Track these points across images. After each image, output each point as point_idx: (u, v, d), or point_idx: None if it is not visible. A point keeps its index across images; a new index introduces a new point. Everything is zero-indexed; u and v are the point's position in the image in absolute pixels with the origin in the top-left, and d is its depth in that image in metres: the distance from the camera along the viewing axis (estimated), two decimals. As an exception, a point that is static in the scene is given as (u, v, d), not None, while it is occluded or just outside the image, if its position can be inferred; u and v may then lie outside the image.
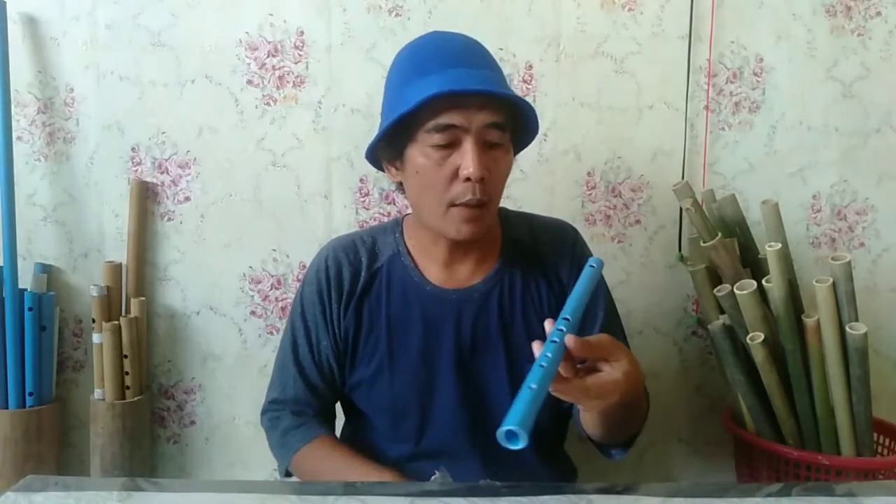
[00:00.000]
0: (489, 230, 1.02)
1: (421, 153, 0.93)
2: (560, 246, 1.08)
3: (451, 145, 0.91)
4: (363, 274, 1.04)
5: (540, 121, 1.45)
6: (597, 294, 0.96)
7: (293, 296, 1.24)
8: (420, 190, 0.96)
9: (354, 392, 1.05)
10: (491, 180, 0.93)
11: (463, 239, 0.96)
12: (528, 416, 0.65)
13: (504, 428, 0.64)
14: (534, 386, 0.69)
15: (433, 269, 1.04)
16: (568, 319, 0.78)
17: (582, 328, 1.05)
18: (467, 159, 0.90)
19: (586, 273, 0.87)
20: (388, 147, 0.98)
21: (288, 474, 1.03)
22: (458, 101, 0.89)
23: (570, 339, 0.73)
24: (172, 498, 0.80)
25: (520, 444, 0.64)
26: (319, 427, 1.03)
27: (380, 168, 1.05)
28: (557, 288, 1.06)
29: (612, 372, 0.76)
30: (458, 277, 1.04)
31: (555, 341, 0.75)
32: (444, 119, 0.90)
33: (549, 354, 0.73)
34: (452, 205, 0.93)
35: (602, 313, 1.06)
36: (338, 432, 1.15)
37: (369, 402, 1.03)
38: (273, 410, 1.07)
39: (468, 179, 0.90)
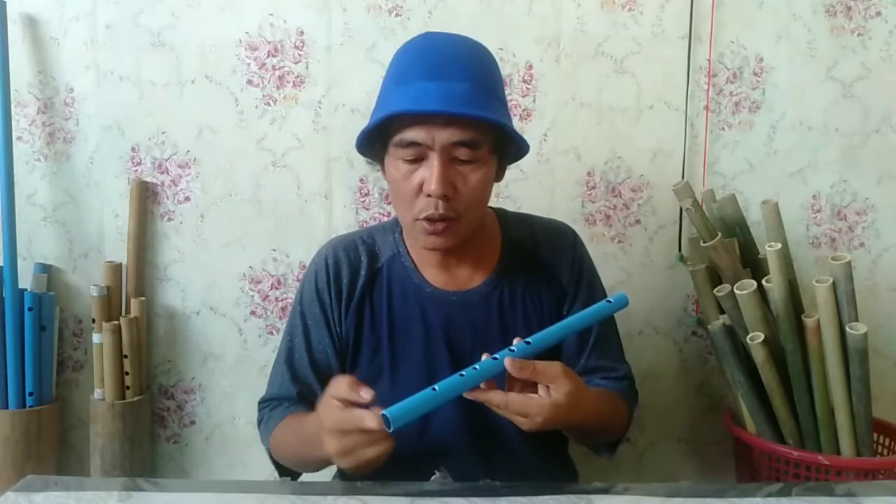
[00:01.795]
0: (476, 233, 1.01)
1: (392, 165, 0.94)
2: (560, 247, 1.08)
3: (418, 160, 0.92)
4: (363, 273, 1.04)
5: (540, 121, 1.48)
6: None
7: (293, 296, 1.24)
8: (393, 199, 0.99)
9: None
10: (458, 196, 0.92)
11: (432, 250, 0.98)
12: (409, 410, 0.74)
13: (382, 411, 0.74)
14: (436, 388, 0.77)
15: (432, 270, 1.04)
16: (529, 343, 0.83)
17: (572, 339, 1.07)
18: (429, 176, 0.90)
19: (598, 305, 0.90)
20: (372, 152, 1.00)
21: (281, 469, 1.03)
22: (422, 118, 0.89)
23: (508, 361, 0.80)
24: (172, 498, 0.80)
25: (390, 429, 0.74)
26: (295, 408, 1.01)
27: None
28: (557, 290, 1.06)
29: (542, 397, 0.81)
30: (457, 279, 1.04)
31: (496, 358, 0.81)
32: (408, 135, 0.90)
33: (477, 367, 0.80)
34: (417, 218, 0.94)
35: (596, 329, 1.07)
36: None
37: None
38: (262, 410, 1.07)
39: (430, 195, 0.91)
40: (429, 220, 0.93)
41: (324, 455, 0.82)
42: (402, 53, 0.97)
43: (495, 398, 0.81)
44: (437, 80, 0.89)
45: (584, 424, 0.89)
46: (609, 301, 0.90)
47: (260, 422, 1.06)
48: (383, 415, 0.74)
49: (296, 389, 1.03)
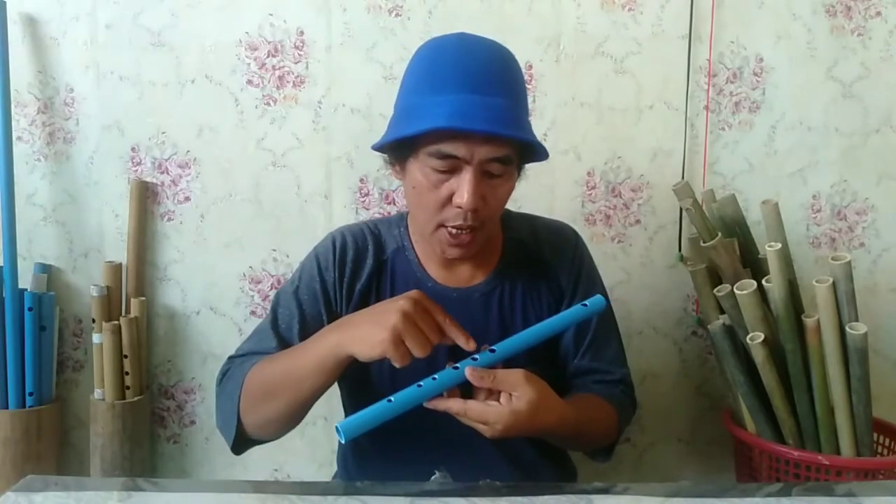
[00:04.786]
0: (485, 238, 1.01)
1: (420, 171, 0.93)
2: (560, 248, 1.08)
3: (451, 171, 0.91)
4: (369, 262, 1.03)
5: (540, 121, 1.48)
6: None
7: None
8: (414, 203, 0.98)
9: (349, 381, 1.04)
10: (485, 208, 0.92)
11: (450, 258, 0.98)
12: (363, 422, 0.76)
13: (336, 424, 0.77)
14: (391, 400, 0.78)
15: (435, 266, 1.04)
16: (493, 351, 0.83)
17: (568, 340, 1.06)
18: (463, 190, 0.89)
19: (572, 310, 0.89)
20: (393, 151, 0.98)
21: (240, 434, 0.94)
22: (461, 133, 0.88)
23: (468, 371, 0.81)
24: (172, 498, 0.80)
25: (342, 440, 0.76)
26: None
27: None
28: (556, 290, 1.06)
29: (502, 405, 0.82)
30: (459, 276, 1.04)
31: (456, 367, 0.81)
32: (446, 148, 0.89)
33: (436, 377, 0.80)
34: (441, 225, 0.94)
35: (593, 330, 1.06)
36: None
37: (367, 395, 1.03)
38: (233, 360, 1.00)
39: (460, 207, 0.90)
40: (454, 230, 0.93)
41: (335, 342, 0.84)
42: (435, 56, 0.94)
43: (455, 406, 0.81)
44: (477, 93, 0.88)
45: (551, 431, 0.88)
46: (584, 304, 0.88)
47: (226, 372, 0.99)
48: (336, 427, 0.76)
49: (280, 349, 0.97)
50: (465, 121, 0.87)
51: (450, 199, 0.91)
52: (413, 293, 0.84)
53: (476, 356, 0.82)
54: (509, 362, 0.85)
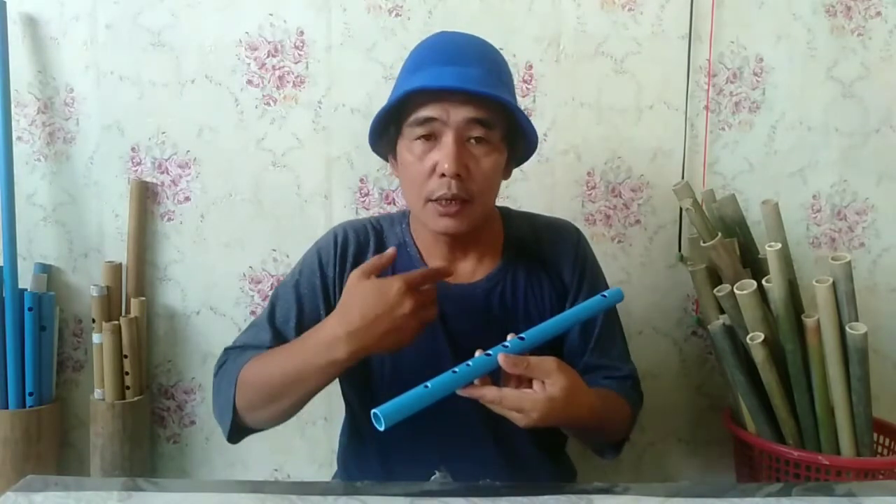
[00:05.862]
0: (481, 227, 1.02)
1: (406, 148, 0.95)
2: (562, 245, 1.09)
3: (432, 139, 0.93)
4: (370, 257, 1.03)
5: (540, 121, 1.48)
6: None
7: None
8: (406, 185, 0.99)
9: (350, 378, 1.04)
10: (471, 177, 0.93)
11: (443, 233, 0.98)
12: (401, 408, 0.74)
13: (374, 410, 0.74)
14: (428, 385, 0.76)
15: (437, 262, 1.04)
16: (523, 339, 0.83)
17: (574, 338, 1.07)
18: (443, 154, 0.91)
19: (593, 300, 0.90)
20: (385, 142, 1.01)
21: (236, 426, 0.96)
22: (438, 96, 0.91)
23: (502, 357, 0.80)
24: (172, 498, 0.80)
25: (381, 427, 0.73)
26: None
27: (386, 159, 1.06)
28: (560, 287, 1.06)
29: (537, 392, 0.81)
30: (461, 273, 1.04)
31: (489, 354, 0.81)
32: (424, 112, 0.92)
33: (470, 364, 0.80)
34: (429, 199, 0.95)
35: (599, 327, 1.07)
36: (337, 430, 1.15)
37: (368, 392, 1.03)
38: (228, 352, 1.01)
39: (444, 175, 0.91)
40: (441, 201, 0.93)
41: (333, 335, 0.84)
42: (417, 48, 1.00)
43: (489, 394, 0.80)
44: (454, 65, 0.92)
45: (581, 420, 0.88)
46: (604, 296, 0.90)
47: (222, 364, 1.00)
48: (374, 413, 0.74)
49: (274, 345, 0.98)
50: (436, 80, 0.90)
51: (434, 169, 0.93)
52: (396, 285, 0.85)
53: (507, 343, 0.82)
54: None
